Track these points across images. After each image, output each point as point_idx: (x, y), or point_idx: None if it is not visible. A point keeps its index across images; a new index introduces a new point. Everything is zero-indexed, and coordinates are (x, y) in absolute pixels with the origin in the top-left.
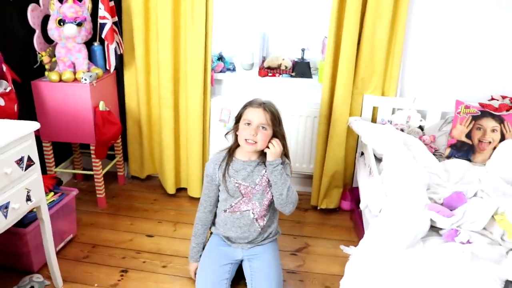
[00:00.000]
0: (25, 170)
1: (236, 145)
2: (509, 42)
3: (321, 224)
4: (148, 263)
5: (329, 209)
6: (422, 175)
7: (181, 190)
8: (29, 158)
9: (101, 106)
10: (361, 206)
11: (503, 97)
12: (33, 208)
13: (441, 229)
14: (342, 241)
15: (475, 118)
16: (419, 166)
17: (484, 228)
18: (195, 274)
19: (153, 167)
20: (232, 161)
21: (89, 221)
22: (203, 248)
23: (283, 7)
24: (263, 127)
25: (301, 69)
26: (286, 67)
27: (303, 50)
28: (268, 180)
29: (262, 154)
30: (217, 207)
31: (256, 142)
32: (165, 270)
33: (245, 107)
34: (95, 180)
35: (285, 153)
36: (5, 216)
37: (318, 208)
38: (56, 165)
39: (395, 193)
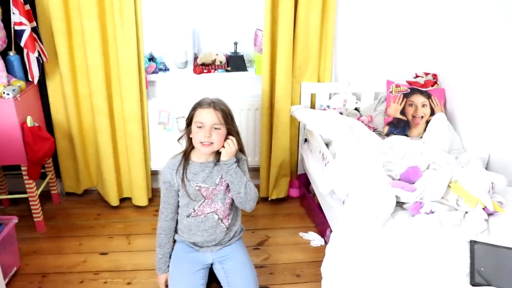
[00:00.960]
0: None
1: (191, 148)
2: (428, 22)
3: (274, 214)
4: (110, 283)
5: (279, 199)
6: (376, 155)
7: (124, 200)
8: None
9: (29, 121)
10: (324, 191)
11: (426, 74)
12: None
13: (404, 203)
14: (299, 228)
15: (406, 95)
16: (371, 147)
17: (442, 197)
18: (166, 286)
19: (90, 181)
20: (189, 164)
21: (30, 249)
22: (170, 257)
23: (212, 2)
24: (216, 128)
25: (236, 63)
26: (220, 62)
27: (235, 43)
28: None
29: (219, 153)
30: (178, 213)
31: (212, 143)
32: (131, 287)
33: (194, 108)
34: (31, 202)
35: (240, 149)
36: None
37: (269, 199)
38: None
39: (358, 176)
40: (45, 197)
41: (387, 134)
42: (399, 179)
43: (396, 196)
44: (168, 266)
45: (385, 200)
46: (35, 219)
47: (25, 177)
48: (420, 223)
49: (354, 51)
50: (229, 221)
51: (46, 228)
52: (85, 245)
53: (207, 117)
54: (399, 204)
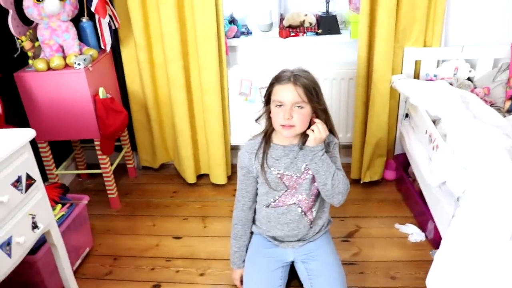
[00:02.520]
0: (25, 192)
1: (272, 129)
2: None
3: (367, 200)
4: (182, 272)
5: (372, 182)
6: (501, 140)
7: (202, 176)
8: (28, 176)
9: (101, 93)
10: (432, 183)
11: None
12: None
13: None
14: (395, 217)
15: None
16: (494, 129)
17: None
18: (241, 282)
19: (166, 155)
20: (270, 147)
21: (104, 227)
22: (246, 251)
23: None
24: (298, 106)
25: (328, 24)
26: (310, 24)
27: (327, 2)
28: None
29: (306, 135)
30: (256, 201)
31: (293, 126)
32: (204, 279)
33: (272, 84)
34: (105, 179)
35: (330, 129)
36: (9, 255)
37: (362, 181)
38: (57, 167)
39: (479, 167)
40: (121, 170)
41: (509, 111)
42: None
43: None
44: (244, 260)
45: None
46: (109, 196)
47: (98, 152)
48: None
49: (470, 8)
50: (314, 214)
51: (121, 205)
52: (159, 226)
53: (287, 94)
54: None
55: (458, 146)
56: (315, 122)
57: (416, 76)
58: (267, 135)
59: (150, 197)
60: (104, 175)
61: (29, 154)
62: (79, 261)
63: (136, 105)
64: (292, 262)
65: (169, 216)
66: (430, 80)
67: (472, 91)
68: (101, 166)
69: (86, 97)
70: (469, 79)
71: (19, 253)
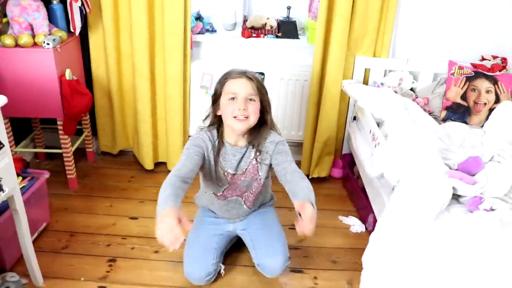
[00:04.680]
0: None
1: (222, 128)
2: (499, 1)
3: (314, 194)
4: (137, 249)
5: (320, 178)
6: (433, 140)
7: (159, 164)
8: None
9: (68, 74)
10: (373, 174)
11: (494, 57)
12: None
13: (460, 196)
14: (339, 211)
15: (469, 79)
16: (428, 131)
17: (505, 194)
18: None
19: (126, 142)
20: (223, 145)
21: (61, 205)
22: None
23: None
24: (250, 99)
25: (288, 29)
26: (271, 27)
27: (288, 8)
28: (257, 166)
29: (251, 136)
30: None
31: (247, 117)
32: (158, 256)
33: (223, 80)
34: (65, 159)
35: (272, 126)
36: None
37: (310, 177)
38: (16, 145)
39: (412, 161)
40: (80, 154)
41: (444, 120)
42: (456, 170)
43: (453, 188)
44: (179, 206)
45: (441, 191)
46: (68, 176)
47: (60, 132)
48: (478, 220)
49: (416, 26)
50: (255, 203)
51: (79, 186)
52: (116, 207)
53: (241, 87)
54: (455, 197)
55: (397, 143)
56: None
57: (365, 82)
58: (220, 133)
59: (108, 181)
60: (64, 155)
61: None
62: (35, 235)
63: (99, 91)
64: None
65: (126, 199)
66: (378, 87)
67: (413, 100)
68: (62, 146)
69: (52, 76)
70: (411, 89)
71: None
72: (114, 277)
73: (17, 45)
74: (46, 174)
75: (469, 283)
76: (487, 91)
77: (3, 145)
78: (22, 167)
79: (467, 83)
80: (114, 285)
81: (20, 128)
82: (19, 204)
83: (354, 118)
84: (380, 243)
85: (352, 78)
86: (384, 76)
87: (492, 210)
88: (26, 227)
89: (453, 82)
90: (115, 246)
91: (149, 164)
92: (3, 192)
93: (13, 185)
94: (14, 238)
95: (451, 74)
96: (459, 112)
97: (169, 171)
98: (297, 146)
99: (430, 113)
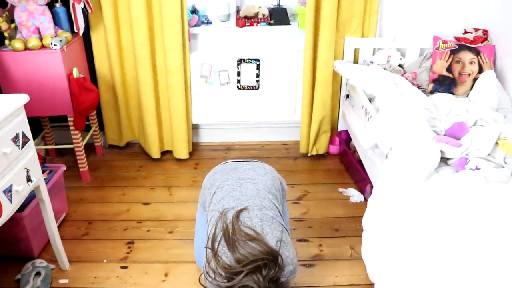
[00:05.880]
0: (22, 148)
1: None
2: None
3: (314, 170)
4: (152, 231)
5: (318, 155)
6: (421, 110)
7: (165, 153)
8: (24, 135)
9: (75, 73)
10: (367, 145)
11: (476, 30)
12: None
13: (448, 159)
14: (338, 184)
15: (453, 52)
16: (415, 102)
17: (488, 154)
18: None
19: (132, 134)
20: None
21: (77, 197)
22: None
23: None
24: None
25: (279, 16)
26: (263, 15)
27: None
28: None
29: None
30: None
31: None
32: (173, 236)
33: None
34: (77, 153)
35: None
36: (10, 201)
37: (309, 155)
38: None
39: (402, 130)
40: (89, 149)
41: (432, 92)
42: (443, 135)
43: (441, 152)
44: None
45: (430, 154)
46: (80, 169)
47: (71, 128)
48: (465, 179)
49: (400, 5)
50: None
51: (91, 178)
52: (128, 195)
53: None
54: (444, 160)
55: (388, 115)
56: None
57: (355, 61)
58: None
59: (118, 171)
60: (76, 149)
61: (24, 116)
62: (57, 224)
63: (104, 87)
64: None
65: (137, 187)
66: (367, 65)
67: (402, 75)
68: (74, 141)
69: (61, 76)
70: (400, 65)
71: (17, 200)
72: (134, 257)
73: (26, 48)
74: (63, 167)
75: (458, 234)
76: (471, 62)
77: (29, 139)
78: (41, 161)
79: (452, 56)
80: (134, 264)
81: (31, 128)
82: (44, 193)
83: (347, 96)
84: (377, 205)
85: (342, 59)
86: (373, 54)
87: (478, 169)
88: (51, 215)
89: (438, 56)
90: (132, 230)
91: (155, 153)
92: (32, 182)
93: (39, 176)
94: (39, 227)
95: (436, 49)
96: (445, 83)
97: (175, 159)
98: (293, 128)
99: (418, 87)
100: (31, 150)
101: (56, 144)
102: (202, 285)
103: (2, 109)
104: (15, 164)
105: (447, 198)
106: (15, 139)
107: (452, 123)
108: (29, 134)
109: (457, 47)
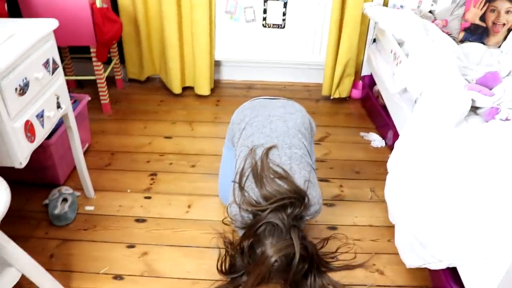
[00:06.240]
0: (52, 74)
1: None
2: None
3: (335, 113)
4: (175, 164)
5: (340, 99)
6: (452, 58)
7: (186, 89)
8: (54, 61)
9: (98, 2)
10: (395, 90)
11: None
12: None
13: (477, 108)
14: (360, 128)
15: (488, 0)
16: (447, 49)
17: None
18: None
19: (153, 68)
20: None
21: (99, 128)
22: None
23: None
24: None
25: None
26: None
27: None
28: None
29: None
30: None
31: None
32: (195, 170)
33: None
34: (98, 84)
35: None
36: (42, 125)
37: (332, 97)
38: None
39: (433, 76)
40: (109, 82)
41: (462, 41)
42: (475, 84)
43: (472, 100)
44: None
45: (461, 102)
46: (102, 101)
47: (93, 59)
48: (495, 128)
49: None
50: None
51: (112, 111)
52: (150, 128)
53: None
54: (473, 110)
55: (418, 60)
56: None
57: (385, 5)
58: None
59: (139, 105)
60: (98, 81)
61: (53, 41)
62: None
63: (125, 18)
64: None
65: (158, 120)
66: (397, 9)
67: (432, 22)
68: (96, 72)
69: (84, 5)
70: (430, 11)
71: (48, 126)
72: (157, 188)
73: None
74: (87, 97)
75: (485, 182)
76: (507, 12)
77: (58, 66)
78: None
79: (487, 4)
80: (157, 195)
81: None
82: (72, 121)
83: (374, 40)
84: (404, 149)
85: (372, 1)
86: None
87: (508, 120)
88: (78, 143)
89: (472, 4)
90: (154, 162)
91: (177, 88)
92: (61, 109)
93: (68, 103)
94: (65, 155)
95: None
96: (477, 33)
97: (196, 95)
98: (316, 69)
99: (448, 35)
100: (60, 77)
101: (75, 75)
102: (226, 224)
103: (34, 33)
104: (46, 89)
105: (476, 146)
106: (46, 64)
107: (484, 73)
108: (58, 60)
109: None
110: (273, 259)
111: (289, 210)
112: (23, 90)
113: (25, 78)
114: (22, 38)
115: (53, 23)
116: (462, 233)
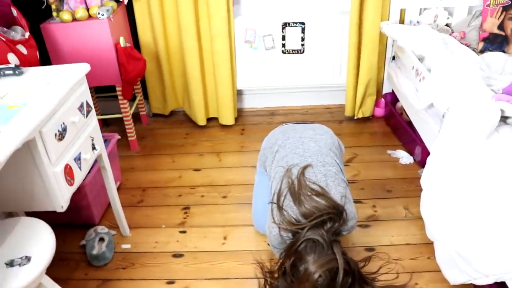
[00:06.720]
0: (86, 116)
1: None
2: None
3: (360, 133)
4: (207, 197)
5: (363, 118)
6: (475, 69)
7: (210, 120)
8: (87, 104)
9: (122, 42)
10: (420, 106)
11: None
12: None
13: (507, 118)
14: (386, 146)
15: (505, 8)
16: (469, 61)
17: None
18: None
19: (176, 102)
20: None
21: (128, 165)
22: None
23: None
24: None
25: None
26: None
27: None
28: None
29: None
30: None
31: None
32: (227, 200)
33: None
34: (125, 122)
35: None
36: (80, 168)
37: (355, 118)
38: None
39: (459, 89)
40: (134, 118)
41: (482, 51)
42: (502, 94)
43: (501, 110)
44: None
45: (490, 113)
46: (129, 138)
47: (119, 98)
48: None
49: None
50: None
51: (139, 147)
52: (178, 162)
53: None
54: (502, 120)
55: (442, 75)
56: None
57: (401, 22)
58: None
59: (165, 140)
60: (124, 118)
61: (86, 85)
62: None
63: (147, 55)
64: None
65: (186, 154)
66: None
67: (450, 35)
68: (122, 110)
69: (109, 45)
70: (447, 25)
71: (85, 168)
72: (191, 222)
73: (73, 19)
74: (117, 136)
75: None
76: None
77: (92, 108)
78: None
79: (504, 12)
80: (192, 228)
81: None
82: (106, 161)
83: (393, 58)
84: (436, 164)
85: (388, 19)
86: (419, 14)
87: None
88: (112, 182)
89: (489, 13)
90: (185, 195)
91: (201, 120)
92: (96, 150)
93: (101, 144)
94: (98, 195)
95: (486, 6)
96: (496, 42)
97: (220, 126)
98: (337, 91)
99: (467, 46)
100: (94, 119)
101: (101, 115)
102: (269, 244)
103: (69, 78)
104: (81, 132)
105: (509, 156)
106: (80, 108)
107: (510, 82)
108: (91, 103)
109: (510, 2)
110: (317, 275)
111: (328, 226)
112: (61, 135)
113: (63, 123)
114: (59, 84)
115: (85, 68)
116: (509, 246)
